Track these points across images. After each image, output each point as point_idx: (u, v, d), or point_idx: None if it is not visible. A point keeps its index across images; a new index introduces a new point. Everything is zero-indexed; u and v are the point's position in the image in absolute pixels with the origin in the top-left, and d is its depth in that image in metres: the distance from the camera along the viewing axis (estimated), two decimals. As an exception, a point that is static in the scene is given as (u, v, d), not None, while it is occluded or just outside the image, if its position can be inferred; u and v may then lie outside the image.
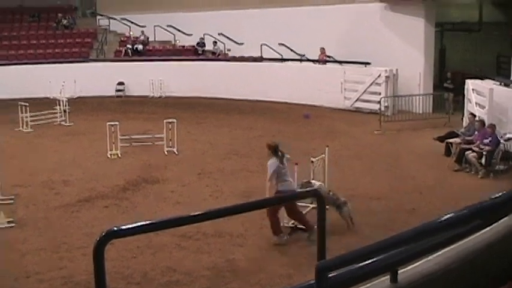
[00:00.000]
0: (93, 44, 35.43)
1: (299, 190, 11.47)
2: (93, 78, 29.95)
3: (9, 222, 12.89)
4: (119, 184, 15.65)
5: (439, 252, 4.48)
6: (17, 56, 33.61)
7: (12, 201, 14.32)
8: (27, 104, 23.04)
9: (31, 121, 23.21)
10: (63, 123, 24.16)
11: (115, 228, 3.19)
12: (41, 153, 19.35)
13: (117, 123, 18.92)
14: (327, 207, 12.60)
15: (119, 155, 18.60)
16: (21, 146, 20.55)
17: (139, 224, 3.61)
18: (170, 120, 19.35)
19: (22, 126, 23.02)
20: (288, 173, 11.84)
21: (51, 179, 16.28)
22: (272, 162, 11.60)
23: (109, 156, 18.56)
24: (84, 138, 21.34)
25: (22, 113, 23.02)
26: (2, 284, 10.13)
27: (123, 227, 3.29)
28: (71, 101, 25.29)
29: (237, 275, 10.37)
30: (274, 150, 11.74)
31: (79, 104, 26.17)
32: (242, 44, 32.08)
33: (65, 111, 24.49)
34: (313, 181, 12.69)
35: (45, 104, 24.66)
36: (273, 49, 30.23)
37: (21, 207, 13.96)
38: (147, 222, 3.63)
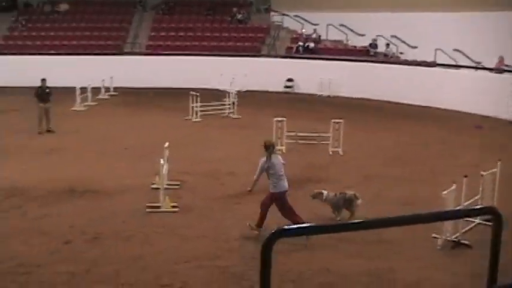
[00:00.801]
0: (265, 39, 36.02)
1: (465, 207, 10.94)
2: (263, 73, 30.55)
3: (173, 207, 13.31)
4: (281, 180, 15.67)
5: None
6: (191, 47, 34.77)
7: (178, 187, 14.78)
8: (198, 94, 23.77)
9: (200, 111, 23.91)
10: (230, 115, 24.74)
11: (285, 227, 3.09)
12: (208, 143, 19.86)
13: (284, 119, 19.05)
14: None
15: (284, 151, 18.70)
16: (190, 134, 21.23)
17: (308, 225, 3.51)
18: (337, 120, 19.21)
19: (192, 115, 23.77)
20: (282, 171, 11.94)
21: (217, 169, 16.66)
22: (261, 160, 12.01)
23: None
24: (251, 131, 21.66)
25: (193, 102, 23.78)
26: (162, 266, 10.44)
27: (293, 227, 3.20)
28: (240, 94, 25.81)
29: (395, 286, 10.05)
30: (266, 147, 12.00)
31: (247, 98, 26.68)
32: (416, 47, 31.28)
33: (233, 103, 25.05)
34: (324, 191, 13.07)
35: (214, 95, 25.34)
36: (447, 54, 29.27)
37: (186, 194, 14.37)
38: (316, 225, 3.53)
